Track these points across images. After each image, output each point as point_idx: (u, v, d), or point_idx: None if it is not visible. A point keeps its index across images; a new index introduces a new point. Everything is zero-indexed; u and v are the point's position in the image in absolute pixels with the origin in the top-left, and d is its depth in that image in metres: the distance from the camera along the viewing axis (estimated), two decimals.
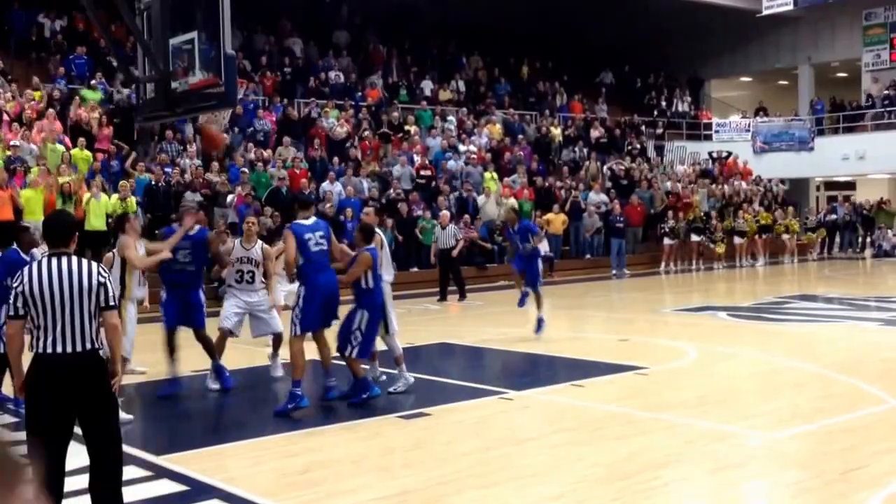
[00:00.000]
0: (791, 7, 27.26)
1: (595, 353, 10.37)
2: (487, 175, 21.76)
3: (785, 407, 7.34)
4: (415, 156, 21.46)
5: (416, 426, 6.95)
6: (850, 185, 32.72)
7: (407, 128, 22.48)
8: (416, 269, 18.72)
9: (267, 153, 19.43)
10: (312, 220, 7.79)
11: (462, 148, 22.80)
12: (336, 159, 20.32)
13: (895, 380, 8.38)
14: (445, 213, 17.79)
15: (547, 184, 22.64)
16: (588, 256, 22.35)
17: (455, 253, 16.91)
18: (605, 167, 25.15)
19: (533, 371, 9.63)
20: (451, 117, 24.17)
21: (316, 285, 7.48)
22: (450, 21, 28.95)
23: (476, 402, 7.70)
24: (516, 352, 10.68)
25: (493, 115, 25.30)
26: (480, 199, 20.87)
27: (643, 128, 29.04)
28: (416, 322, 13.15)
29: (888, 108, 29.17)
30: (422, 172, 20.91)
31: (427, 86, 25.63)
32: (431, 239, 17.58)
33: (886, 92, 29.47)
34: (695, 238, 23.00)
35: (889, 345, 10.84)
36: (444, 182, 20.92)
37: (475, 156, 22.44)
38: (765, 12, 27.69)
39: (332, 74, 23.89)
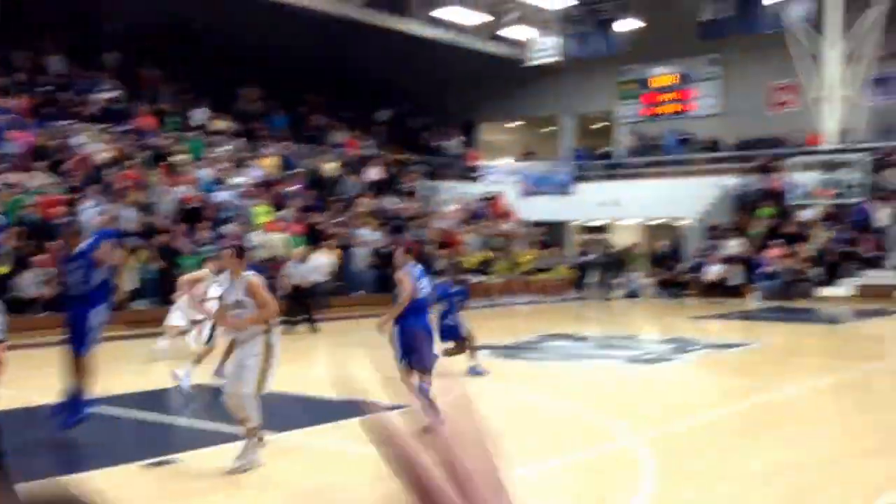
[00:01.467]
0: (555, 59, 29.00)
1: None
2: (259, 209, 21.39)
3: (530, 443, 7.62)
4: (182, 186, 20.72)
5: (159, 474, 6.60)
6: (606, 229, 35.05)
7: (175, 157, 21.69)
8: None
9: (18, 177, 18.06)
10: None
11: (234, 180, 22.30)
12: (96, 186, 19.21)
13: (637, 417, 8.93)
14: (301, 249, 17.63)
15: (320, 220, 22.58)
16: (361, 293, 22.43)
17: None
18: (379, 205, 25.46)
19: (291, 413, 9.45)
20: (223, 147, 23.61)
21: None
22: (226, 49, 28.37)
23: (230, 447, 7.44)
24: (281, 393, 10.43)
25: (268, 147, 24.98)
26: (253, 235, 20.45)
27: (417, 167, 29.73)
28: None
29: (639, 159, 31.62)
30: (189, 204, 20.21)
31: (199, 114, 24.92)
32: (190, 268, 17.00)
33: (637, 143, 31.97)
34: (470, 278, 23.69)
35: (634, 382, 11.60)
36: (212, 214, 20.34)
37: (247, 189, 22.01)
38: (532, 62, 29.26)
39: (97, 97, 22.67)
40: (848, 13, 22.83)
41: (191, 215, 19.96)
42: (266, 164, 23.95)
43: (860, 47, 22.54)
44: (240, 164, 23.39)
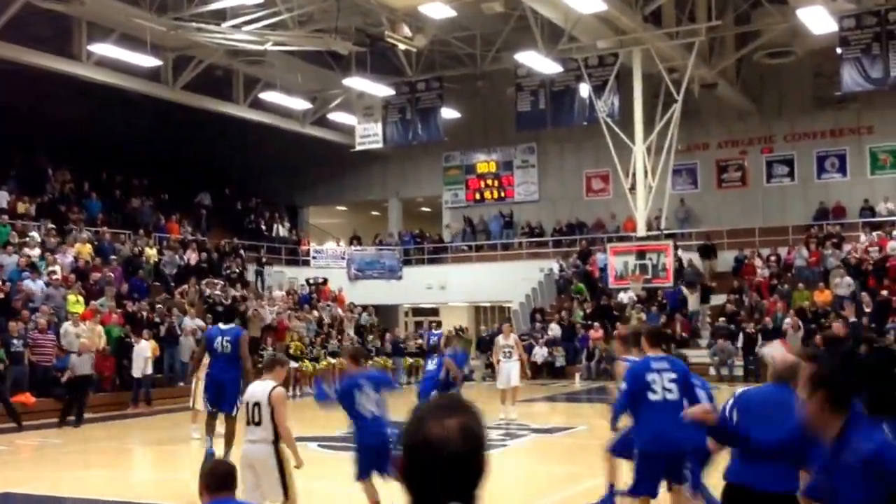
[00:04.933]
0: (380, 145, 29.41)
1: (184, 496, 9.73)
2: (72, 298, 20.10)
3: None
4: None
5: None
6: (435, 312, 35.40)
7: None
8: None
9: None
10: None
11: (44, 268, 20.89)
12: None
13: None
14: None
15: (139, 307, 21.49)
16: (181, 384, 21.37)
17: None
18: (203, 291, 24.58)
19: None
20: (32, 233, 22.20)
21: None
22: (36, 129, 27.00)
23: None
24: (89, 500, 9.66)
25: (81, 232, 23.67)
26: (65, 326, 19.11)
27: (243, 252, 29.06)
28: None
29: (465, 243, 32.34)
30: None
31: (3, 197, 23.38)
32: None
33: (463, 228, 32.72)
34: (293, 364, 23.12)
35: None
36: (20, 304, 18.92)
37: (59, 276, 20.67)
38: (357, 147, 29.55)
39: None
40: (651, 109, 24.53)
41: None
42: (80, 250, 22.65)
43: (662, 140, 24.21)
44: (51, 250, 21.98)
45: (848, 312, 21.81)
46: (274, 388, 6.88)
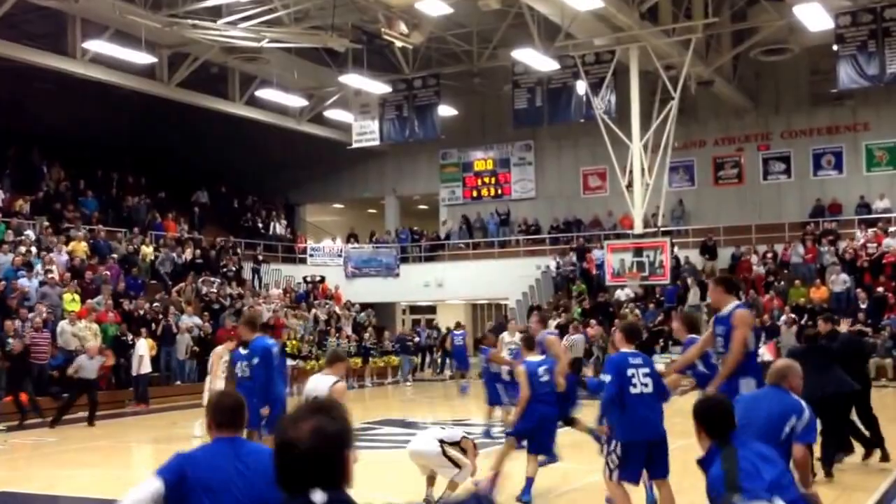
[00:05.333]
0: (377, 142, 29.36)
1: None
2: (68, 296, 20.04)
3: None
4: None
5: None
6: (432, 310, 35.37)
7: None
8: None
9: None
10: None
11: (39, 266, 20.83)
12: None
13: None
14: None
15: (135, 305, 21.44)
16: (178, 383, 21.36)
17: None
18: (199, 289, 24.53)
19: None
20: (27, 232, 22.14)
21: None
22: (30, 127, 26.93)
23: None
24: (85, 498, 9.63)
25: (77, 230, 23.60)
26: (61, 324, 19.05)
27: (240, 250, 29.01)
28: None
29: (462, 241, 32.30)
30: None
31: None
32: None
33: (460, 225, 32.68)
34: (290, 363, 23.07)
35: None
36: (16, 303, 18.86)
37: (54, 275, 20.59)
38: (354, 145, 29.49)
39: None
40: (648, 106, 24.52)
41: None
42: (76, 249, 22.58)
43: (659, 137, 24.19)
44: (46, 248, 21.92)
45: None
46: (336, 382, 7.28)
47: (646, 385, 6.83)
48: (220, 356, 11.88)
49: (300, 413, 2.50)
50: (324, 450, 2.39)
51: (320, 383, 7.34)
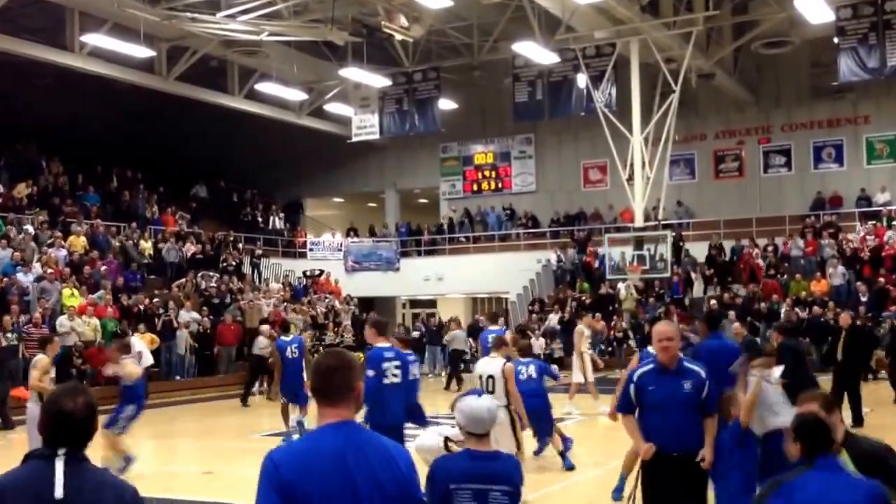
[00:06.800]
0: (377, 136, 29.27)
1: (179, 489, 9.67)
2: (67, 292, 19.97)
3: None
4: None
5: None
6: (433, 304, 35.30)
7: None
8: None
9: None
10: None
11: (37, 261, 20.76)
12: None
13: None
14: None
15: (134, 300, 21.38)
16: (178, 378, 21.31)
17: None
18: (199, 284, 24.46)
19: None
20: (26, 226, 22.07)
21: None
22: (29, 122, 26.83)
23: None
24: None
25: (76, 225, 23.51)
26: (60, 319, 18.99)
27: (240, 244, 28.92)
28: None
29: (462, 234, 32.23)
30: None
31: None
32: None
33: (461, 219, 32.59)
34: None
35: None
36: (15, 298, 18.79)
37: (52, 270, 20.50)
38: (354, 139, 29.40)
39: None
40: (649, 100, 24.45)
41: None
42: (74, 243, 22.51)
43: (659, 131, 24.13)
44: (45, 243, 21.84)
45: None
46: (505, 363, 8.23)
47: (395, 376, 7.73)
48: None
49: (69, 389, 3.03)
50: (90, 420, 2.94)
51: (490, 365, 8.21)
